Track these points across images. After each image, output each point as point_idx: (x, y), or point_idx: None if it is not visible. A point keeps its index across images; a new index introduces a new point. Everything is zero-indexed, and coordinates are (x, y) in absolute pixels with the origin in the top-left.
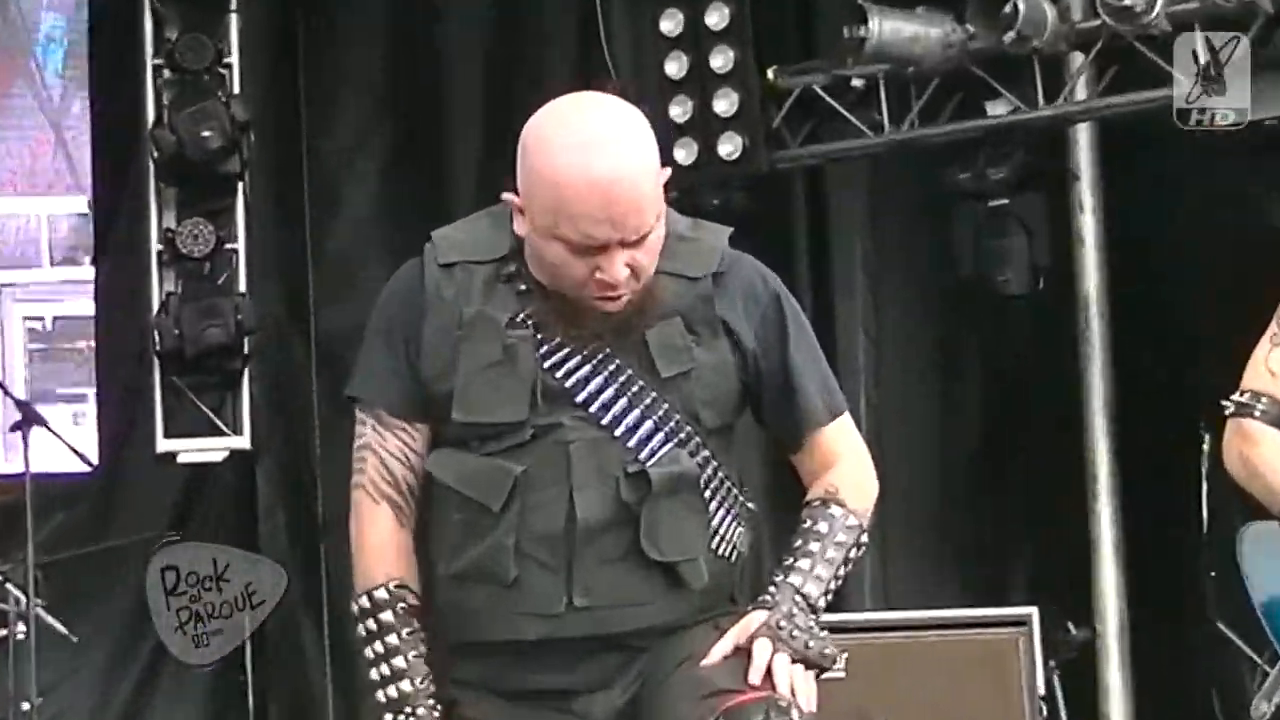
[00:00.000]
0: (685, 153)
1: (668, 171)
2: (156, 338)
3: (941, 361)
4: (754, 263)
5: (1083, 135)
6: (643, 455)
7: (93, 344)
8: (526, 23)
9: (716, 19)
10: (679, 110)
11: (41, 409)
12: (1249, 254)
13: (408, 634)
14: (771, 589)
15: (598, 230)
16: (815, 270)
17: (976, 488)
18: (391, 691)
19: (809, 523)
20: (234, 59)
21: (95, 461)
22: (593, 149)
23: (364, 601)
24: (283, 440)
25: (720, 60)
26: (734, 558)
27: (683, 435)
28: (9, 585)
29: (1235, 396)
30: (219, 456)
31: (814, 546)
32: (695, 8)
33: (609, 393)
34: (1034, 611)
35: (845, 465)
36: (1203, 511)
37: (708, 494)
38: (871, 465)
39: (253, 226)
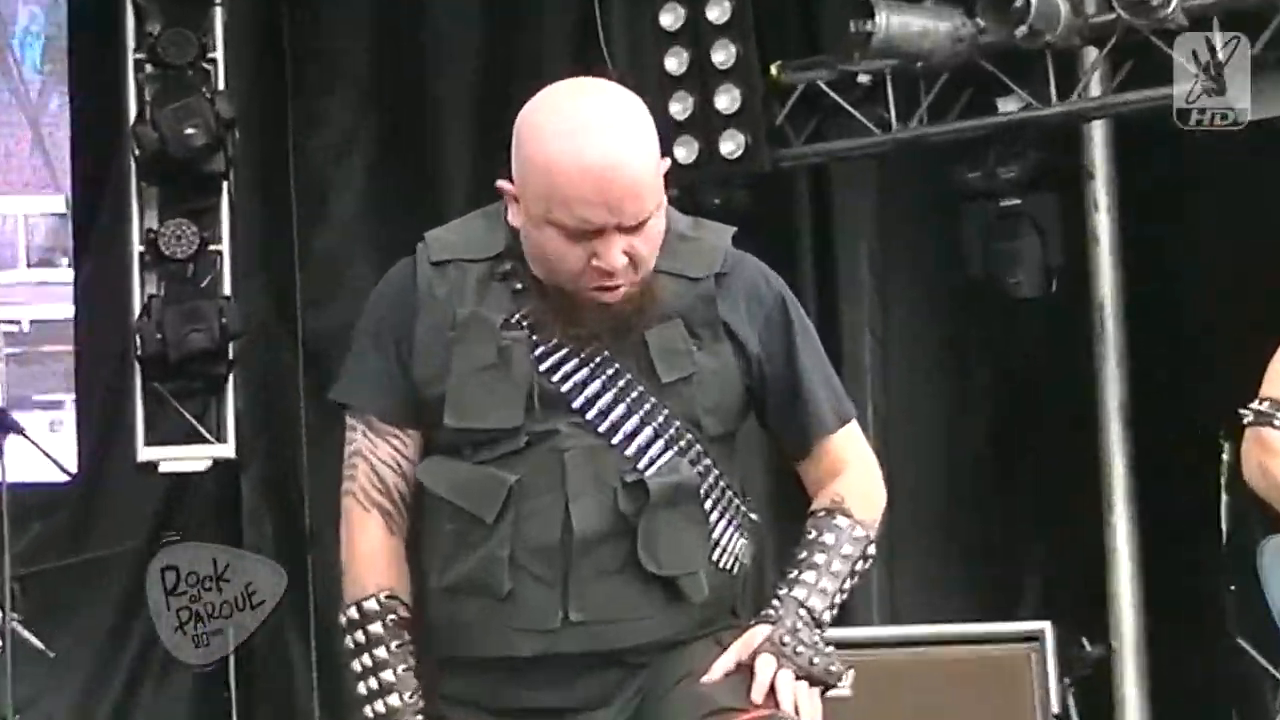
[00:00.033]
0: (686, 151)
1: (668, 162)
2: (137, 342)
3: (950, 366)
4: (758, 263)
5: (1097, 132)
6: (641, 463)
7: (71, 349)
8: (520, 16)
9: (718, 13)
10: (679, 107)
11: (18, 415)
12: (1269, 255)
13: (397, 647)
14: (775, 603)
15: (593, 214)
16: (820, 272)
17: (987, 497)
18: (379, 706)
19: (814, 533)
20: (218, 54)
21: (74, 470)
22: (588, 131)
23: (353, 613)
24: (268, 448)
25: (722, 55)
26: (736, 570)
27: (683, 443)
28: None
29: (1254, 405)
30: (202, 465)
31: (819, 558)
32: (696, 1)
33: (607, 398)
34: (1047, 626)
35: (852, 474)
36: (1222, 523)
37: (708, 504)
38: (879, 474)
39: (237, 227)
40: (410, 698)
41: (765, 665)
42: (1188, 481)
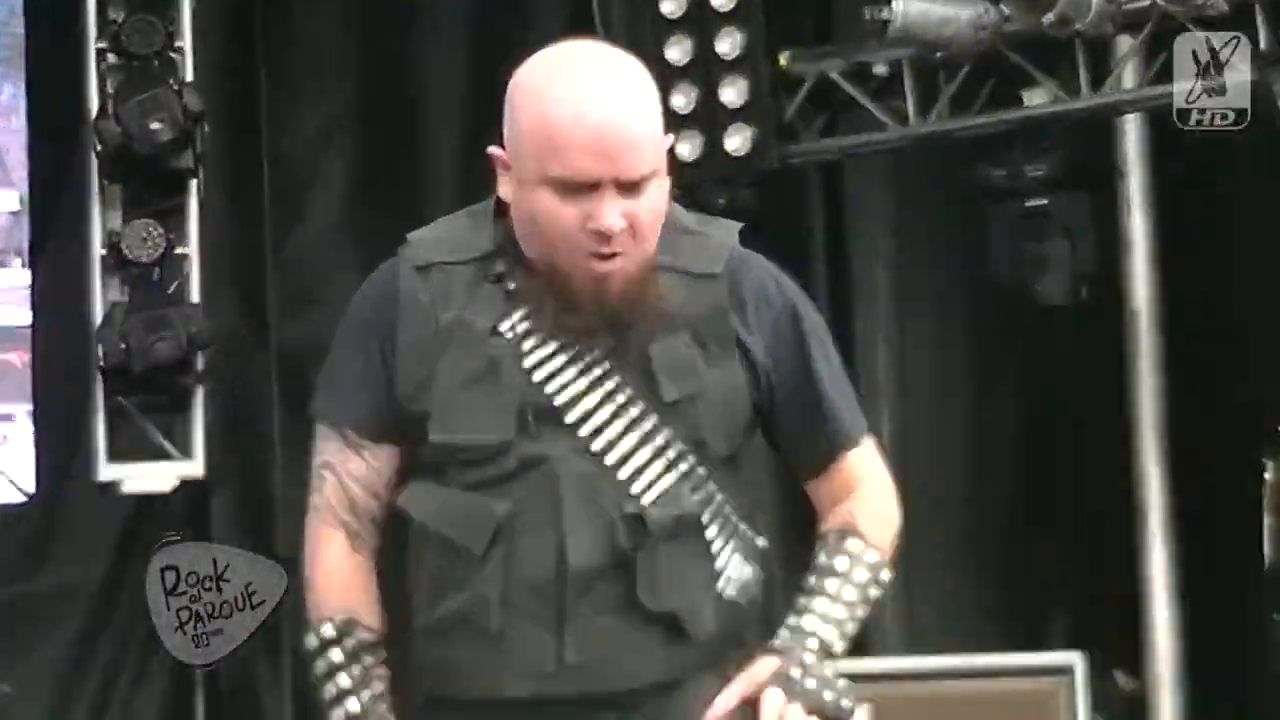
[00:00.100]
0: (689, 147)
1: (671, 139)
2: (99, 352)
3: (972, 379)
4: (767, 264)
5: (1131, 127)
6: (637, 488)
7: (27, 358)
8: (511, 4)
9: None
10: (682, 100)
11: None
12: None
13: (359, 673)
14: (783, 633)
15: (589, 163)
16: (832, 278)
17: (1013, 519)
18: None
19: (824, 558)
20: (186, 43)
21: (30, 490)
22: (585, 81)
23: (312, 639)
24: (240, 467)
25: (727, 45)
26: (742, 600)
27: (684, 467)
28: None
29: None
30: (168, 485)
31: (830, 585)
32: None
33: (603, 414)
34: (1078, 657)
35: (865, 493)
36: (1264, 547)
37: (713, 530)
38: (894, 493)
39: (207, 228)
40: None
41: (773, 700)
42: (1229, 503)
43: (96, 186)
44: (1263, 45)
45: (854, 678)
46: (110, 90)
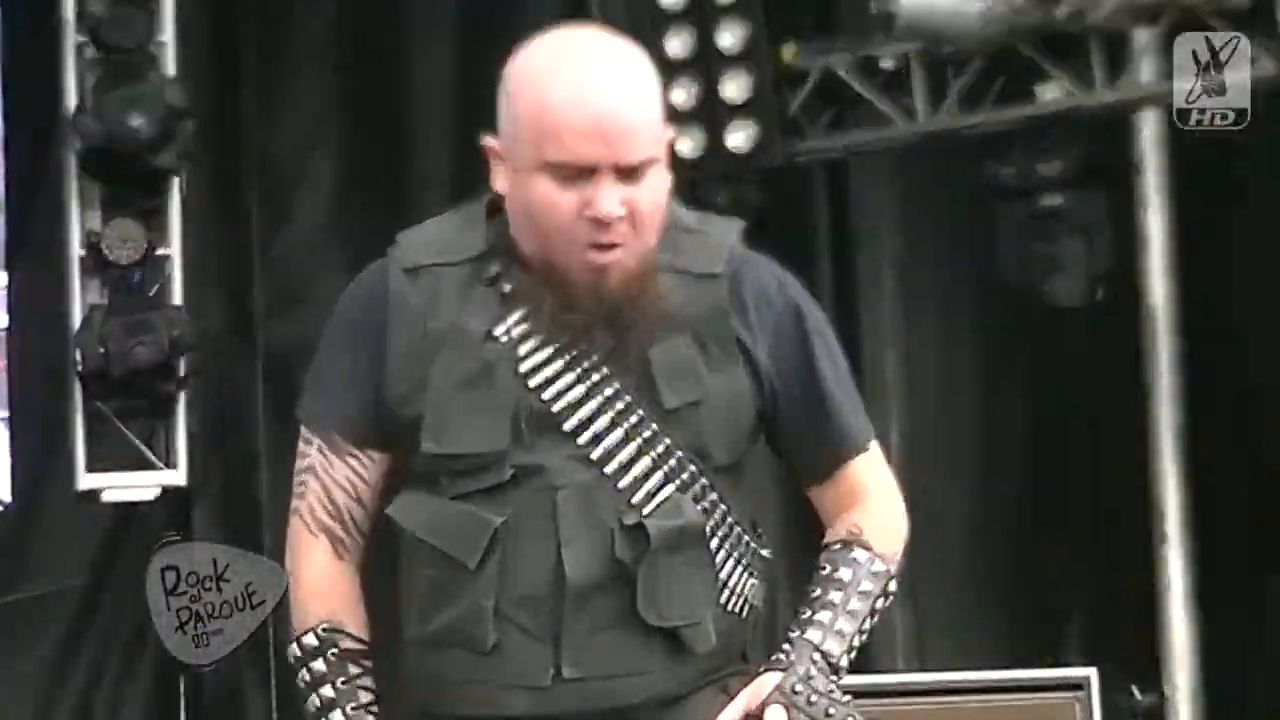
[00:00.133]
0: (689, 143)
1: (672, 132)
2: (78, 356)
3: (983, 383)
4: (770, 264)
5: (1147, 123)
6: (637, 499)
7: (3, 363)
8: None
9: None
10: (682, 95)
11: None
12: None
13: (343, 684)
14: (786, 646)
15: (587, 146)
16: (837, 279)
17: (1025, 528)
18: None
19: (829, 569)
20: (169, 35)
21: (7, 499)
22: (582, 66)
23: (295, 650)
24: (223, 475)
25: (729, 38)
26: (745, 613)
27: (686, 476)
28: None
29: None
30: (150, 494)
31: (835, 597)
32: None
33: (602, 421)
34: (1092, 672)
35: (872, 502)
36: None
37: (715, 542)
38: (901, 502)
39: (190, 229)
40: None
41: (775, 717)
42: (1249, 512)
43: (75, 185)
44: None
45: (857, 693)
46: (89, 85)
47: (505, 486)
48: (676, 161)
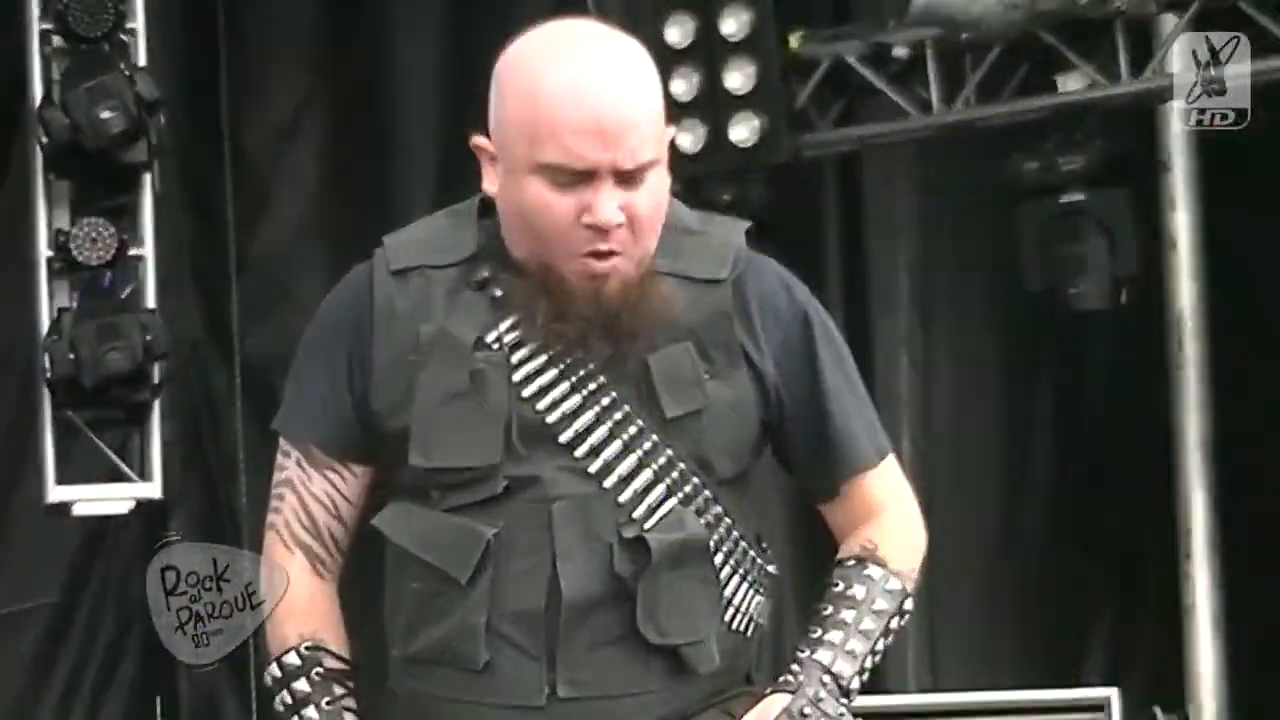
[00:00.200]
0: (691, 137)
1: (673, 130)
2: (47, 363)
3: (1002, 392)
4: (777, 268)
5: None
6: (638, 513)
7: None
8: None
9: None
10: (683, 86)
11: None
12: None
13: (328, 705)
14: (795, 667)
15: (586, 146)
16: (849, 282)
17: (1044, 544)
18: None
19: (841, 586)
20: (139, 24)
21: None
22: (579, 61)
23: (275, 670)
24: (200, 487)
25: (733, 24)
26: (750, 631)
27: (688, 489)
28: None
29: None
30: (123, 507)
31: (847, 615)
32: None
33: (600, 432)
34: (1114, 693)
35: (887, 517)
36: None
37: (719, 557)
38: (919, 517)
39: (163, 228)
40: None
41: None
42: (1278, 526)
43: (41, 182)
44: None
45: (869, 716)
46: (56, 77)
47: (498, 500)
48: (677, 156)
